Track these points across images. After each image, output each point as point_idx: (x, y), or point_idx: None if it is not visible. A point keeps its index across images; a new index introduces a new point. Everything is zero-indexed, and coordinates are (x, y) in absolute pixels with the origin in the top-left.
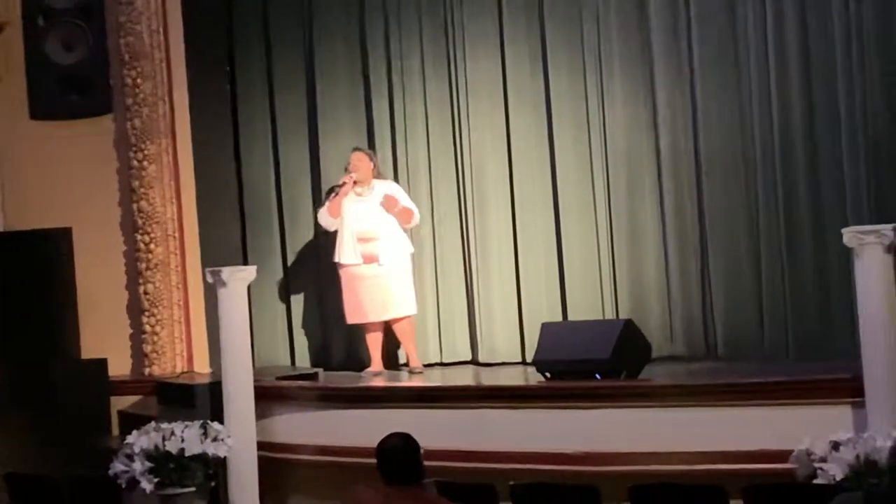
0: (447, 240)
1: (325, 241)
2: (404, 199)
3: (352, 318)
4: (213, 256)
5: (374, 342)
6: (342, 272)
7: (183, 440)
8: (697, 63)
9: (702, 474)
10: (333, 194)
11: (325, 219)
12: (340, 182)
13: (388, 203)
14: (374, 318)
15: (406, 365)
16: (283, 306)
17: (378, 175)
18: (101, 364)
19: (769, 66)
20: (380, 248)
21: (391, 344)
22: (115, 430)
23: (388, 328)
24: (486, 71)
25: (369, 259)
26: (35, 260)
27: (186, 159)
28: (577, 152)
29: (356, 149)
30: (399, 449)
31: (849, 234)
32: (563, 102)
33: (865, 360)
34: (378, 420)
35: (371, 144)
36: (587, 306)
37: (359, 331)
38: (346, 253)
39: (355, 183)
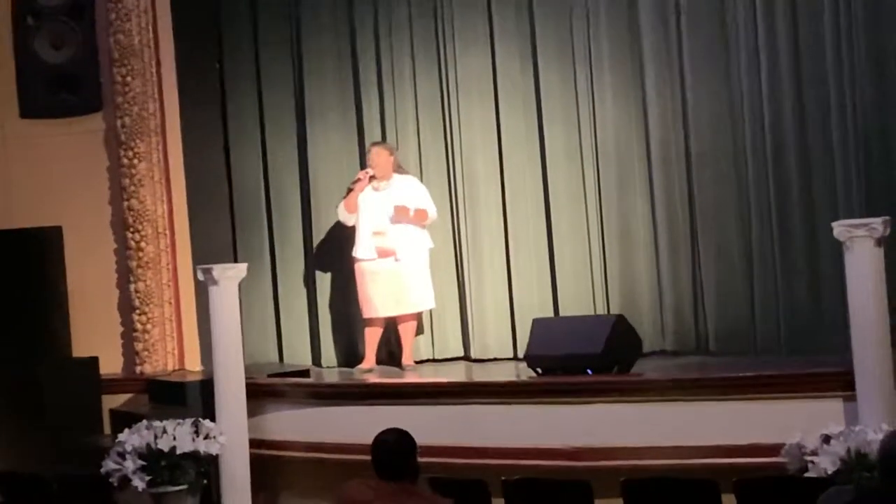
0: (439, 236)
1: (314, 237)
2: (420, 199)
3: (367, 312)
4: (204, 254)
5: (372, 338)
6: (356, 266)
7: (175, 438)
8: (687, 58)
9: (694, 468)
10: (350, 190)
11: (342, 214)
12: (356, 177)
13: (399, 215)
14: (384, 313)
15: (398, 361)
16: (272, 303)
17: (399, 169)
18: (93, 362)
19: (759, 61)
20: (395, 243)
21: (385, 340)
22: (107, 429)
23: (390, 324)
24: (476, 67)
25: (384, 254)
26: (25, 259)
27: (176, 157)
28: (568, 149)
29: (374, 143)
30: (394, 445)
31: (839, 228)
32: (553, 99)
33: (856, 353)
34: (370, 417)
35: (361, 142)
36: (578, 302)
37: (350, 327)
38: (361, 247)
39: (372, 178)
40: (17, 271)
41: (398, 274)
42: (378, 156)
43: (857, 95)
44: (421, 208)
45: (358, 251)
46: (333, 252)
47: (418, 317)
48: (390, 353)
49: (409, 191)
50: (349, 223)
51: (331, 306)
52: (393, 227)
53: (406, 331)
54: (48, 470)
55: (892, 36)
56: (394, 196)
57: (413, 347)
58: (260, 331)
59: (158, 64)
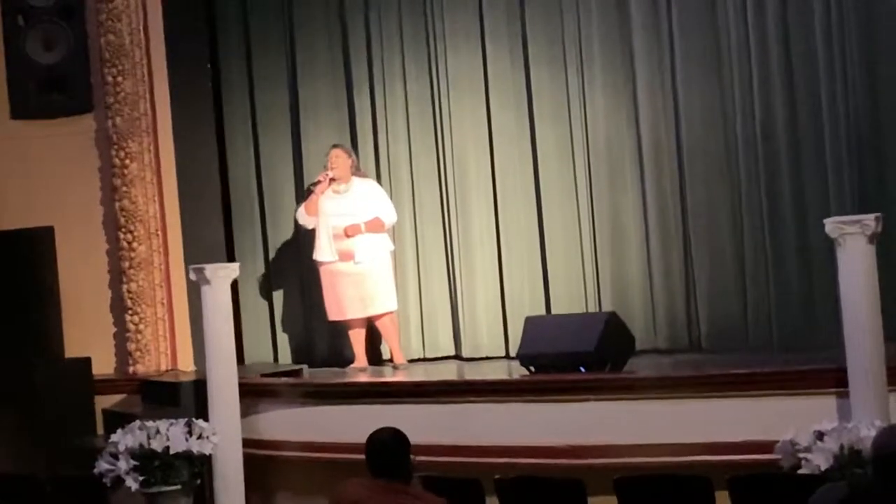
0: (429, 235)
1: (306, 237)
2: (377, 205)
3: (332, 315)
4: (196, 254)
5: (358, 338)
6: (321, 269)
7: (168, 438)
8: (678, 55)
9: (687, 466)
10: (310, 192)
11: (303, 217)
12: (316, 180)
13: (352, 231)
14: (353, 314)
15: (390, 360)
16: (266, 303)
17: (358, 172)
18: (85, 363)
19: (750, 57)
20: (356, 245)
21: (375, 340)
22: (100, 429)
23: (371, 324)
24: (466, 66)
25: (346, 256)
26: (17, 260)
27: (168, 157)
28: (559, 146)
29: (335, 146)
30: (388, 444)
31: (831, 225)
32: (544, 96)
33: (849, 350)
34: (362, 416)
35: (353, 141)
36: (570, 299)
37: (342, 327)
38: (323, 250)
39: (332, 180)
40: (9, 272)
41: (361, 276)
42: (337, 158)
43: (848, 92)
44: (373, 218)
45: (320, 254)
46: None
47: (390, 314)
48: (382, 352)
49: (368, 195)
50: (309, 226)
51: (324, 305)
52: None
53: (385, 330)
54: (41, 470)
55: (883, 33)
56: (353, 199)
57: (402, 345)
58: (254, 330)
59: (149, 64)
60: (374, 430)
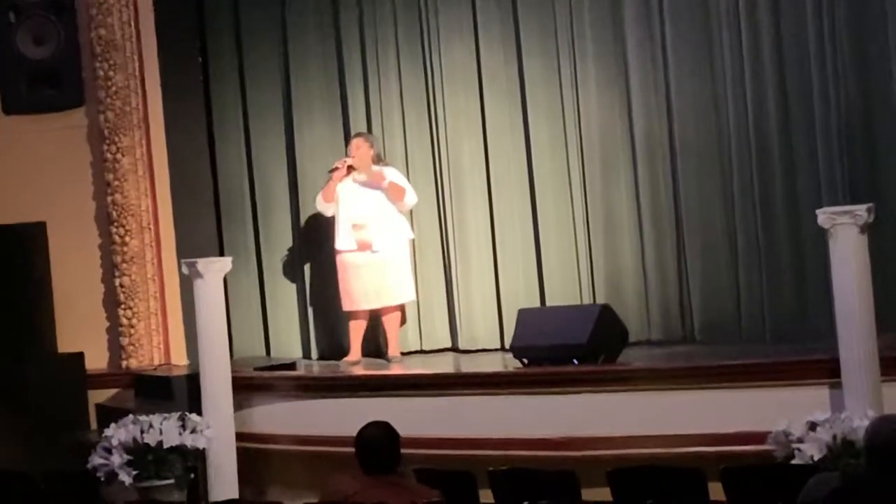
0: (425, 228)
1: (303, 230)
2: (397, 180)
3: (346, 305)
4: (189, 248)
5: (357, 330)
6: (338, 259)
7: (161, 432)
8: (671, 47)
9: (680, 457)
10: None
11: (321, 204)
12: (334, 166)
13: (376, 179)
14: (365, 305)
15: (384, 354)
16: (260, 297)
17: (379, 161)
18: (78, 358)
19: (742, 50)
20: (374, 235)
21: (372, 332)
22: (93, 424)
23: (375, 316)
24: (460, 58)
25: (363, 246)
26: (9, 255)
27: (160, 151)
28: (552, 139)
29: (357, 134)
30: (377, 438)
31: (823, 215)
32: (537, 89)
33: (841, 340)
34: (357, 409)
35: (346, 134)
36: (564, 292)
37: (338, 320)
38: (341, 239)
39: (350, 168)
40: (1, 268)
41: (379, 266)
42: (358, 148)
43: (839, 84)
44: (398, 183)
45: (338, 243)
46: (320, 244)
47: (402, 308)
48: (377, 344)
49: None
50: (328, 213)
51: (318, 299)
52: (373, 219)
53: (390, 322)
54: (34, 466)
55: (874, 25)
56: (374, 188)
57: (400, 339)
58: (247, 324)
59: (141, 58)
60: (363, 426)
